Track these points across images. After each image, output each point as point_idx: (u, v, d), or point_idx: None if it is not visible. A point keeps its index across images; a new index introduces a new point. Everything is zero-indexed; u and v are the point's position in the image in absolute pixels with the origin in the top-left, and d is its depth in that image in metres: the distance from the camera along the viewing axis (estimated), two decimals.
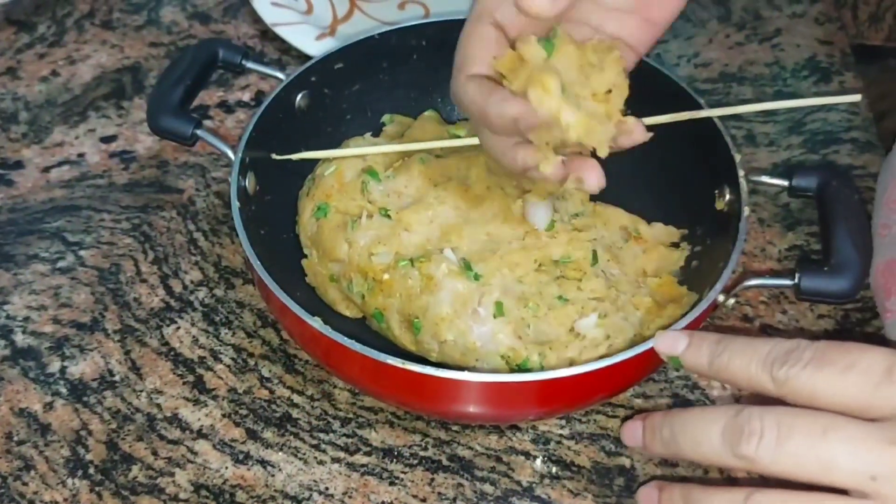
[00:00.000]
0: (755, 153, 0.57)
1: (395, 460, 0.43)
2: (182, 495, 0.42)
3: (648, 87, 0.40)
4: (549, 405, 0.41)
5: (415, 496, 0.42)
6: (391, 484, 0.42)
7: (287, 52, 0.63)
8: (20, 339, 0.47)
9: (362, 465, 0.43)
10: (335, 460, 0.43)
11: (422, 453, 0.43)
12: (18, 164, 0.56)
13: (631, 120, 0.37)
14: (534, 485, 0.42)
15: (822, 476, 0.30)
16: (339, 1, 0.66)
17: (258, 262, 0.41)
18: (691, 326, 0.40)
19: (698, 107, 0.46)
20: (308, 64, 0.50)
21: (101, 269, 0.51)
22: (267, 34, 0.64)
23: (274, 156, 0.48)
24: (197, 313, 0.49)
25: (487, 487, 0.42)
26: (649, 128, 0.38)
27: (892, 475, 0.29)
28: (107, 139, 0.58)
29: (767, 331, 0.49)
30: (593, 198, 0.49)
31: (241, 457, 0.43)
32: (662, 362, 0.38)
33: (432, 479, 0.42)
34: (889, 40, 0.65)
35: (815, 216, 0.45)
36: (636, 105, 0.38)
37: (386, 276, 0.43)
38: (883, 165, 0.53)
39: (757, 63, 0.63)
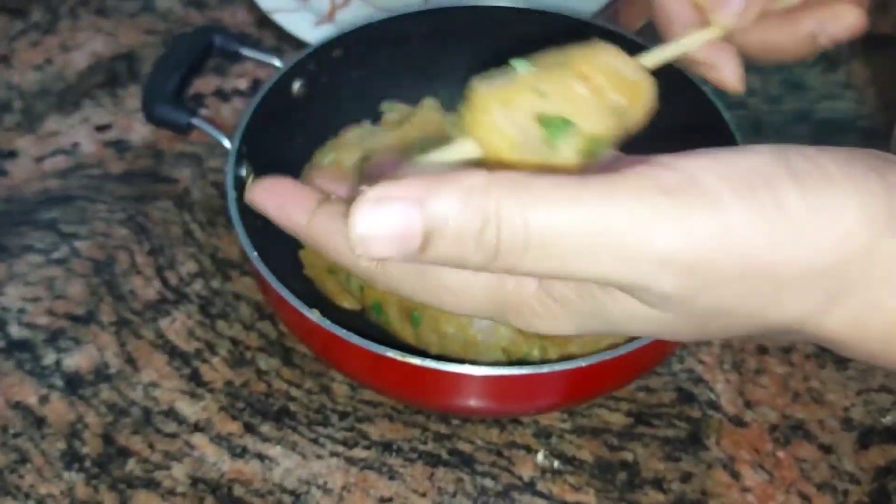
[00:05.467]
0: (761, 142, 0.57)
1: (394, 454, 0.42)
2: (179, 489, 0.41)
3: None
4: (551, 399, 0.40)
5: (414, 491, 0.41)
6: (391, 478, 0.42)
7: (284, 40, 0.62)
8: (15, 330, 0.47)
9: (361, 460, 0.42)
10: (333, 454, 0.42)
11: (422, 447, 0.43)
12: (12, 154, 0.55)
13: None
14: (535, 479, 0.42)
15: None
16: None
17: (255, 254, 0.40)
18: None
19: (692, 83, 0.45)
20: (306, 51, 0.50)
21: (97, 260, 0.50)
22: (264, 21, 0.63)
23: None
24: (193, 305, 0.48)
25: (488, 482, 0.42)
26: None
27: None
28: (101, 128, 0.57)
29: None
30: None
31: (238, 450, 0.42)
32: (665, 356, 0.37)
33: (432, 474, 0.42)
34: None
35: None
36: None
37: None
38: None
39: None
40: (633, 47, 0.55)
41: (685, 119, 0.42)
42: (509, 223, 0.18)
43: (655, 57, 0.28)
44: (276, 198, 0.25)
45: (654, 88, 0.24)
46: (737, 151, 0.19)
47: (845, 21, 0.31)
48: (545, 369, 0.37)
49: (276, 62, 0.50)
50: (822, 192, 0.19)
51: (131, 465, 0.42)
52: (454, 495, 0.41)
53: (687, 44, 0.31)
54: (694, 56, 0.31)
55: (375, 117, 0.52)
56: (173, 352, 0.46)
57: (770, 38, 0.31)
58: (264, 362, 0.46)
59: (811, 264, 0.19)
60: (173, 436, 0.43)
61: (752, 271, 0.19)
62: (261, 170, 0.47)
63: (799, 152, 0.20)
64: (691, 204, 0.18)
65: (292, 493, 0.41)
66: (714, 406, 0.45)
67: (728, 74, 0.31)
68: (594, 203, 0.18)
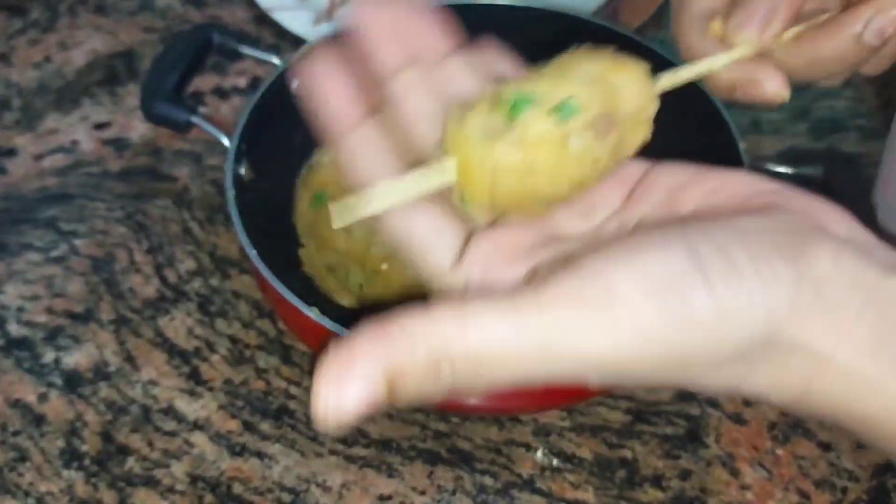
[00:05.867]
0: (760, 141, 0.57)
1: (393, 452, 0.42)
2: (178, 487, 0.41)
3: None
4: (551, 397, 0.40)
5: (414, 489, 0.41)
6: (390, 476, 0.42)
7: (283, 37, 0.62)
8: (14, 328, 0.47)
9: (360, 458, 0.42)
10: (333, 452, 0.42)
11: (421, 445, 0.43)
12: (11, 152, 0.55)
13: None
14: (534, 477, 0.42)
15: None
16: None
17: (254, 252, 0.40)
18: None
19: (698, 90, 0.45)
20: (305, 49, 0.49)
21: (95, 258, 0.50)
22: (263, 19, 0.63)
23: None
24: (192, 303, 0.48)
25: (487, 480, 0.42)
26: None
27: None
28: (100, 126, 0.57)
29: None
30: None
31: (237, 448, 0.42)
32: None
33: (431, 472, 0.42)
34: None
35: None
36: None
37: (385, 267, 0.43)
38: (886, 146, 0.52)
39: None
40: (631, 46, 0.55)
41: (684, 117, 0.42)
42: (461, 356, 0.20)
43: (675, 77, 0.26)
44: (328, 83, 0.25)
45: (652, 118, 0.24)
46: (653, 252, 0.21)
47: (892, 11, 0.30)
48: None
49: (276, 60, 0.50)
50: (730, 289, 0.21)
51: (131, 463, 0.42)
52: (453, 493, 0.41)
53: (711, 63, 0.30)
54: (730, 78, 0.31)
55: None
56: (172, 350, 0.46)
57: (812, 53, 0.31)
58: (263, 360, 0.46)
59: (717, 355, 0.21)
60: (173, 434, 0.43)
61: (666, 364, 0.21)
62: (260, 168, 0.47)
63: (713, 245, 0.21)
64: (611, 313, 0.21)
65: (291, 490, 0.41)
66: (713, 404, 0.45)
67: (769, 86, 0.31)
68: (530, 319, 0.20)
